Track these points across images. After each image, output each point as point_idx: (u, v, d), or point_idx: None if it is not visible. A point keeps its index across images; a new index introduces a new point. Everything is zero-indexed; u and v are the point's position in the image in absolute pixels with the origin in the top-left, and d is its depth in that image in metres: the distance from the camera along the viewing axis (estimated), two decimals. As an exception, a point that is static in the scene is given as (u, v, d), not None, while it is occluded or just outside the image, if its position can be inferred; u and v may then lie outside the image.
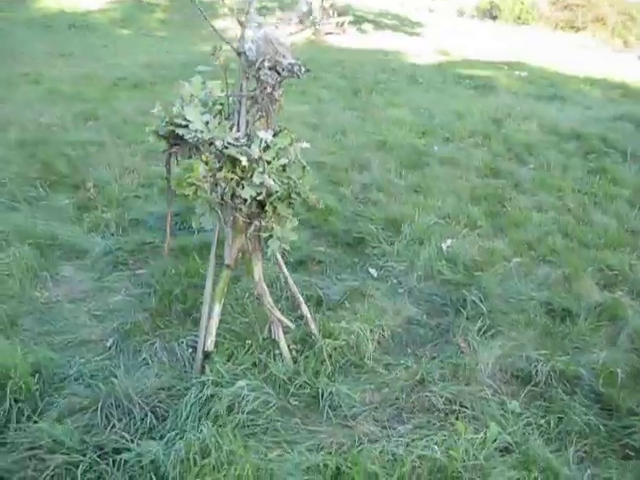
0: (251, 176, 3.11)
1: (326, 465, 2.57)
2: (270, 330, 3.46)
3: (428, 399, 3.13)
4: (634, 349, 3.56)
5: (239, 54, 3.39)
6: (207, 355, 3.33)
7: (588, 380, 3.26)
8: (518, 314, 3.82)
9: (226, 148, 3.21)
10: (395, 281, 4.27)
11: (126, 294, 4.13)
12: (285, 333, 3.46)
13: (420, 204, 5.20)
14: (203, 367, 3.29)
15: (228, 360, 3.28)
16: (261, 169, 3.11)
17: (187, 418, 2.88)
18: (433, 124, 7.81)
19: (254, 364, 3.29)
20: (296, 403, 3.13)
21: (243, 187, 3.14)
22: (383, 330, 3.63)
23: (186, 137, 3.53)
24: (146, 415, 2.93)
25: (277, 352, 3.40)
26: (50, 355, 3.37)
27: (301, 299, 3.59)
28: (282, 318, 3.44)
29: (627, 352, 3.53)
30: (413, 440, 2.80)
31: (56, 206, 5.21)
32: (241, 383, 3.09)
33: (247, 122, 3.37)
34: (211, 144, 3.40)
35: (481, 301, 3.85)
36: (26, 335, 3.59)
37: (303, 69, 3.14)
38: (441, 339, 3.67)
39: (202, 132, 3.46)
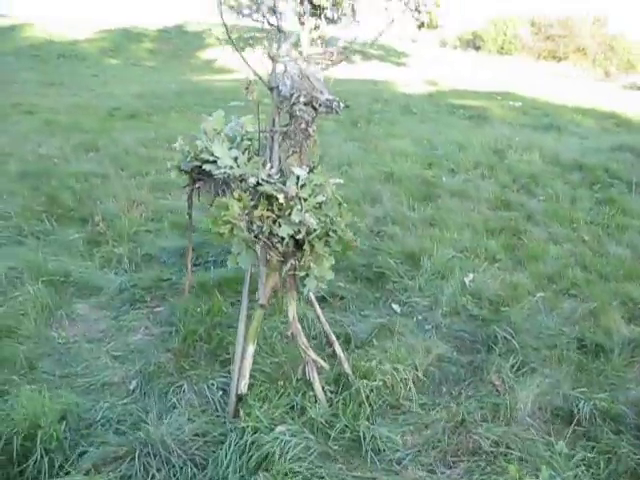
0: (289, 214, 3.03)
1: (384, 517, 2.46)
2: (304, 371, 3.37)
3: (473, 441, 3.04)
4: (672, 386, 3.51)
5: (271, 89, 3.35)
6: (240, 398, 3.22)
7: (632, 418, 3.19)
8: (550, 350, 3.76)
9: (260, 185, 3.14)
10: (420, 317, 4.19)
11: (146, 333, 4.02)
12: (318, 374, 3.36)
13: (437, 237, 5.15)
14: (237, 411, 3.18)
15: (262, 403, 3.16)
16: (299, 207, 3.04)
17: (228, 467, 2.77)
18: (437, 155, 7.82)
19: (291, 407, 3.18)
20: (336, 448, 3.02)
21: (280, 225, 3.06)
22: (417, 369, 3.53)
23: (214, 173, 3.46)
24: (185, 464, 2.81)
25: (311, 394, 3.29)
26: (74, 400, 3.23)
27: (334, 338, 3.51)
28: (317, 359, 3.34)
29: (666, 389, 3.47)
30: (466, 486, 2.71)
31: (65, 240, 5.09)
32: (281, 428, 2.98)
33: (279, 158, 3.31)
34: (242, 180, 3.34)
35: (512, 337, 3.78)
36: (46, 378, 3.46)
37: (342, 105, 3.09)
38: (475, 377, 3.58)
39: (232, 168, 3.39)
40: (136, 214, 5.66)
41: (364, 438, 3.01)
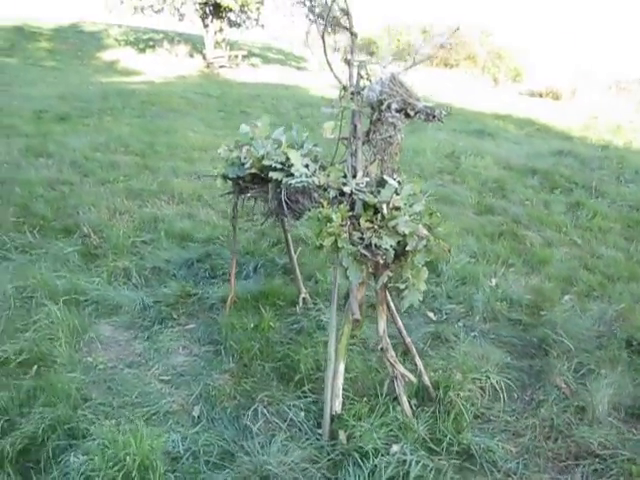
0: (394, 226, 2.92)
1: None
2: (390, 385, 3.26)
3: (575, 444, 3.07)
4: None
5: (352, 94, 3.22)
6: (333, 418, 3.07)
7: None
8: (600, 351, 3.86)
9: (354, 194, 3.02)
10: (460, 324, 4.18)
11: (187, 354, 3.75)
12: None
13: (444, 243, 5.16)
14: (333, 432, 3.03)
15: (358, 422, 3.03)
16: (406, 217, 2.94)
17: (360, 493, 2.63)
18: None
19: (388, 425, 3.05)
20: (445, 463, 2.94)
21: (381, 236, 2.94)
22: (489, 377, 3.52)
23: (289, 182, 3.29)
24: (318, 495, 2.64)
25: (399, 409, 3.19)
26: (148, 433, 2.93)
27: (415, 351, 3.42)
28: (406, 372, 3.25)
29: None
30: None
31: (58, 254, 4.66)
32: (395, 448, 2.87)
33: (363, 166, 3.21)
34: (325, 190, 3.21)
35: (563, 340, 3.86)
36: (106, 411, 3.13)
37: (444, 112, 3.00)
38: (539, 382, 3.62)
39: (309, 176, 3.25)
40: (122, 224, 5.27)
41: (475, 450, 2.96)
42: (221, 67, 18.91)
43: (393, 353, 3.24)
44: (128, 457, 2.55)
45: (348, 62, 3.36)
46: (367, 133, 3.19)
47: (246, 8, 18.39)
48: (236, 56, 19.79)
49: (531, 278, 4.81)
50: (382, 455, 2.80)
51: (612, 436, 3.11)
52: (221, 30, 19.48)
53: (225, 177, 3.75)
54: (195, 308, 4.17)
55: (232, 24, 19.71)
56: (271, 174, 3.42)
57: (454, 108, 10.47)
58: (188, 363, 3.65)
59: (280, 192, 3.51)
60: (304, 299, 4.25)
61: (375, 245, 2.93)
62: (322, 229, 2.92)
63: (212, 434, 3.03)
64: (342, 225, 2.94)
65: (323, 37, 3.13)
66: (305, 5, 22.18)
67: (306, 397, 3.31)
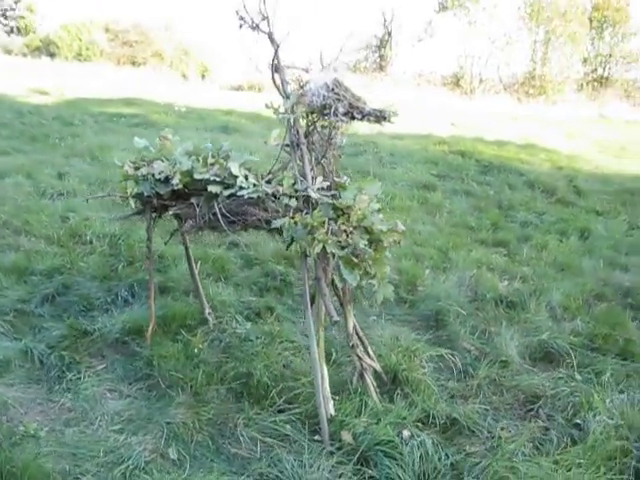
0: (368, 226, 3.06)
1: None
2: (358, 378, 3.38)
3: (520, 392, 3.53)
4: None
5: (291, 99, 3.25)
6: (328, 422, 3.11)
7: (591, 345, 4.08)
8: (481, 312, 4.43)
9: (319, 199, 3.08)
10: (354, 312, 4.40)
11: (119, 397, 3.40)
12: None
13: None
14: (333, 434, 3.06)
15: (353, 418, 3.12)
16: (380, 216, 3.09)
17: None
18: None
19: (378, 415, 3.18)
20: (435, 436, 3.16)
21: (360, 237, 3.05)
22: (417, 353, 3.82)
23: (240, 193, 3.19)
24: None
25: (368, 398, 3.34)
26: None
27: (367, 342, 3.56)
28: (373, 364, 3.40)
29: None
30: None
31: None
32: (406, 433, 3.02)
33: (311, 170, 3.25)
34: (277, 198, 3.19)
35: (457, 308, 4.33)
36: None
37: (392, 114, 3.17)
38: (452, 349, 3.98)
39: (255, 185, 3.22)
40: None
41: (459, 418, 3.24)
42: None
43: (362, 348, 3.37)
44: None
45: (276, 68, 3.35)
46: (305, 137, 3.24)
47: None
48: None
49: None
50: (399, 443, 2.93)
51: (541, 379, 3.65)
52: None
53: (138, 196, 3.43)
54: (97, 346, 3.73)
55: None
56: (210, 188, 3.24)
57: (174, 106, 10.44)
58: (127, 405, 3.31)
59: (213, 206, 3.33)
60: (209, 314, 4.08)
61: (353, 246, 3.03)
62: (314, 237, 2.92)
63: (205, 472, 2.85)
64: (326, 232, 2.97)
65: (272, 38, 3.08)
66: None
67: (283, 410, 3.25)
